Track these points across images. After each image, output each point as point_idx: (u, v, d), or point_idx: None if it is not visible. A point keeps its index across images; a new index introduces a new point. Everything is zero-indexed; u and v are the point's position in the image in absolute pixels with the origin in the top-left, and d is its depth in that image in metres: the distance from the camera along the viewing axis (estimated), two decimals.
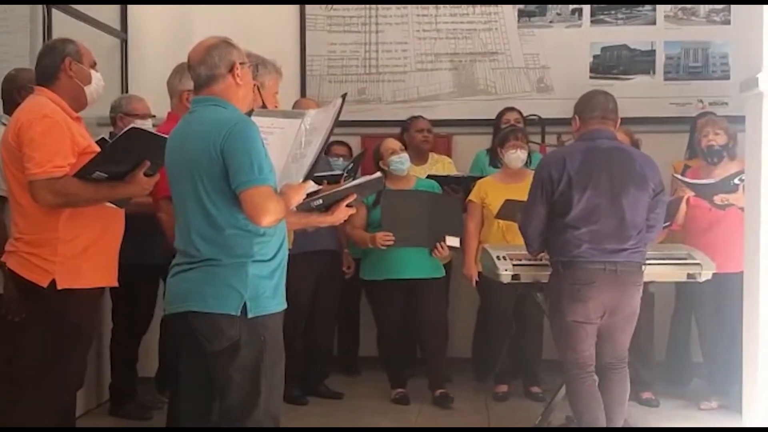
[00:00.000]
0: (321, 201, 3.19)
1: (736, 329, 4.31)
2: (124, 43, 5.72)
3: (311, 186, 3.14)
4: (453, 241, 5.12)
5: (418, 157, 5.84)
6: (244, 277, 2.85)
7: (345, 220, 3.41)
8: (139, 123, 4.60)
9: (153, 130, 3.52)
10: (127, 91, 5.57)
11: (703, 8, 6.14)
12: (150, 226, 4.06)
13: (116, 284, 3.55)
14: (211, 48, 2.96)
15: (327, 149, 5.80)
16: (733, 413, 4.57)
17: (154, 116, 4.79)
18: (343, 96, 3.09)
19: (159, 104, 4.84)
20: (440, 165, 5.91)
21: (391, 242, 5.03)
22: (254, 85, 3.15)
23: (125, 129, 3.26)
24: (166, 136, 3.13)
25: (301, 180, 3.00)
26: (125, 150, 3.24)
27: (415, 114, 6.03)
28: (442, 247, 5.08)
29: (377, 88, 6.35)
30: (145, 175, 3.31)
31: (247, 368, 2.89)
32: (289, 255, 3.08)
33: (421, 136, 5.88)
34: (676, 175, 4.96)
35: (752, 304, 3.93)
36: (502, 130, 5.55)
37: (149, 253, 4.43)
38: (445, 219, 5.12)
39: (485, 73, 6.29)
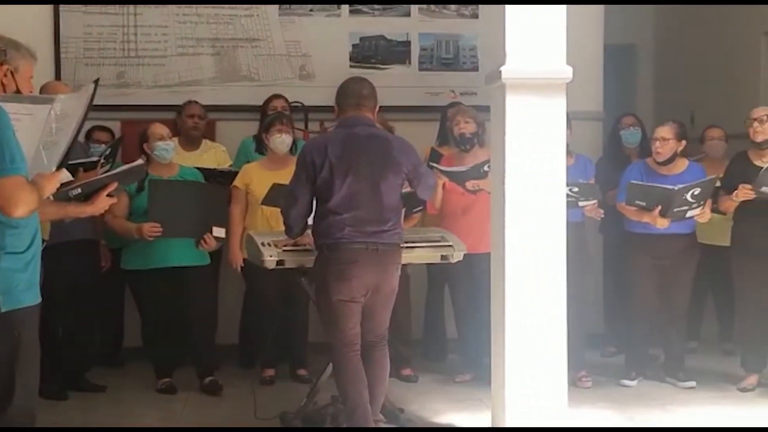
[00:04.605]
0: (80, 190, 3.11)
1: (486, 306, 4.58)
2: None
3: (65, 175, 3.03)
4: (219, 231, 5.09)
5: (189, 143, 5.77)
6: None
7: (105, 210, 3.34)
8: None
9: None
10: None
11: None
12: None
13: None
14: None
15: (88, 135, 5.62)
16: (484, 384, 4.87)
17: None
18: (96, 81, 3.02)
19: None
20: (212, 152, 5.85)
21: (158, 233, 4.94)
22: (8, 69, 3.00)
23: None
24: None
25: (53, 169, 2.90)
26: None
27: (183, 99, 5.96)
28: (208, 238, 5.06)
29: (137, 72, 6.19)
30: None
31: (1, 364, 2.79)
32: (44, 246, 2.98)
33: (191, 122, 5.80)
34: (432, 164, 5.20)
35: (498, 281, 4.16)
36: (268, 116, 5.59)
37: None
38: (211, 209, 5.08)
39: (248, 59, 6.28)
